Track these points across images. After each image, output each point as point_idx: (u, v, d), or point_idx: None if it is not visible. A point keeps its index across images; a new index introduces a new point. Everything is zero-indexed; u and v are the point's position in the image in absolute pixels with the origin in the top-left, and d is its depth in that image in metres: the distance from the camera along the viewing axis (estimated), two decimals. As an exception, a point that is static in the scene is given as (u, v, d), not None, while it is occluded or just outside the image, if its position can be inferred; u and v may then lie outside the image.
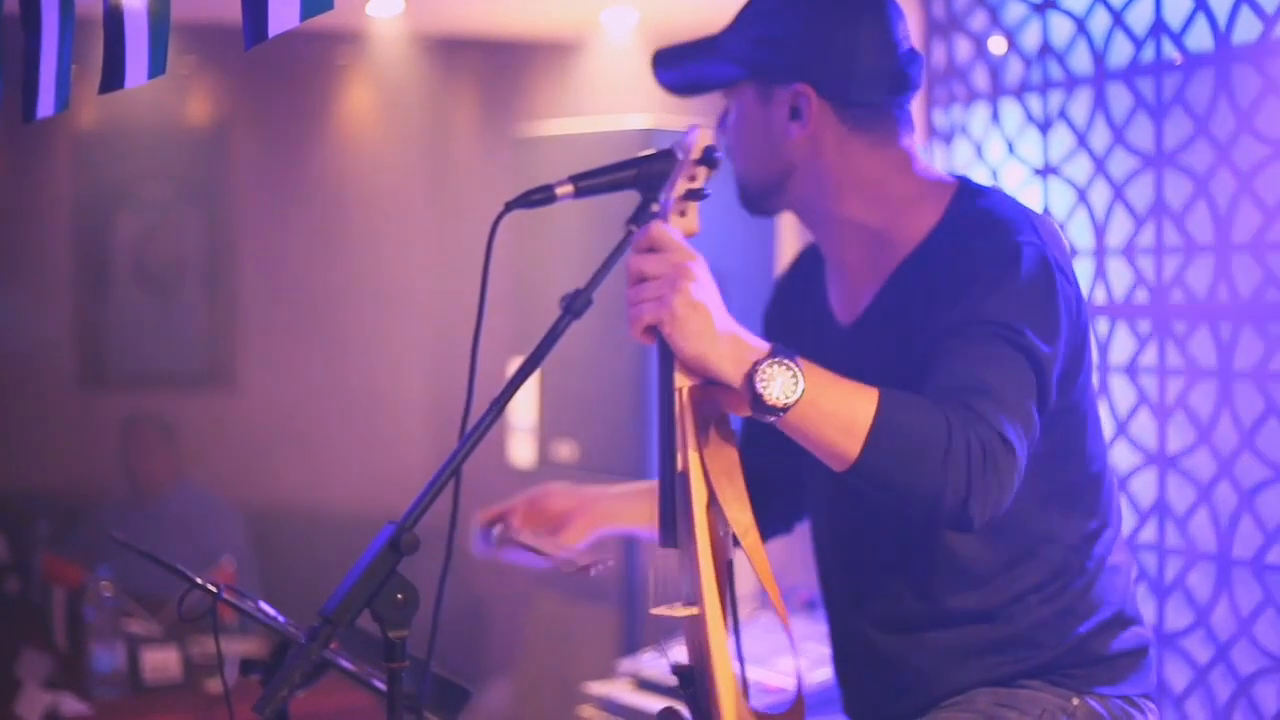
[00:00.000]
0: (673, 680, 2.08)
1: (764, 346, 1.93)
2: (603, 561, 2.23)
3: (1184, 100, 3.26)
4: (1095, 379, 2.62)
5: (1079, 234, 3.55)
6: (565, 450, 4.26)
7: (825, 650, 2.58)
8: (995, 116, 3.83)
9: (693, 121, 2.10)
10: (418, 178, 6.88)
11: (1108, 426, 3.26)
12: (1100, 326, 3.46)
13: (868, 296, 2.28)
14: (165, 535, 5.48)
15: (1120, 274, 3.45)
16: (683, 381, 1.98)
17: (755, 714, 1.99)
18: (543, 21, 5.85)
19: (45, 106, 2.45)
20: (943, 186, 2.26)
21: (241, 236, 6.74)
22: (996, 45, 3.84)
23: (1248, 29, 3.12)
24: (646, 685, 3.78)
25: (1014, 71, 3.78)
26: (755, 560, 1.97)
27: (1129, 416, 3.41)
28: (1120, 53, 3.44)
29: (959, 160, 3.93)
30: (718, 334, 1.93)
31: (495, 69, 6.65)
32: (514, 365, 1.97)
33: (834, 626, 2.46)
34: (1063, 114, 3.61)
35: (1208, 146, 3.21)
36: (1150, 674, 2.32)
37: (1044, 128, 3.66)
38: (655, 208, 2.04)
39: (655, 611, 2.01)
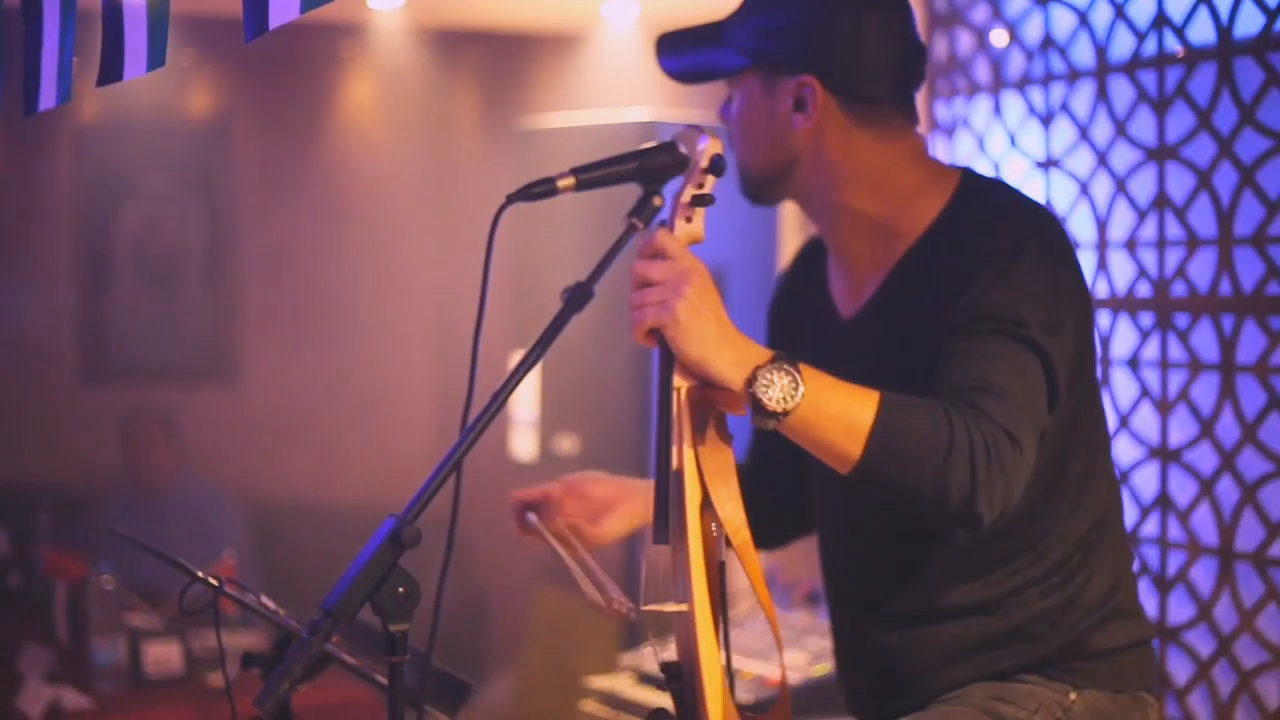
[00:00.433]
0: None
1: (764, 351, 1.94)
2: (624, 604, 2.17)
3: (1186, 93, 3.26)
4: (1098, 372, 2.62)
5: (1081, 227, 3.55)
6: (566, 443, 4.26)
7: (827, 644, 2.58)
8: (997, 109, 3.82)
9: (694, 113, 2.10)
10: (419, 170, 6.88)
11: (1109, 420, 3.26)
12: (1102, 320, 3.46)
13: (871, 287, 2.28)
14: (167, 529, 5.48)
15: (1122, 267, 3.45)
16: (681, 382, 1.99)
17: (741, 711, 1.99)
18: (544, 14, 5.85)
19: (47, 99, 2.45)
20: (947, 177, 2.26)
21: (243, 229, 6.74)
22: (998, 38, 3.83)
23: (1250, 22, 3.11)
24: (648, 680, 3.78)
25: (1016, 64, 3.78)
26: (746, 560, 1.97)
27: (1131, 410, 3.41)
28: (1122, 45, 3.44)
29: (961, 153, 3.93)
30: (719, 339, 1.94)
31: (497, 62, 6.65)
32: (515, 358, 1.96)
33: (836, 620, 2.46)
34: (1065, 107, 3.60)
35: (1210, 139, 3.20)
36: (1151, 669, 2.32)
37: (1046, 121, 3.66)
38: (657, 200, 2.04)
39: (645, 608, 2.02)
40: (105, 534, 4.34)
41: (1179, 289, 3.30)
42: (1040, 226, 2.15)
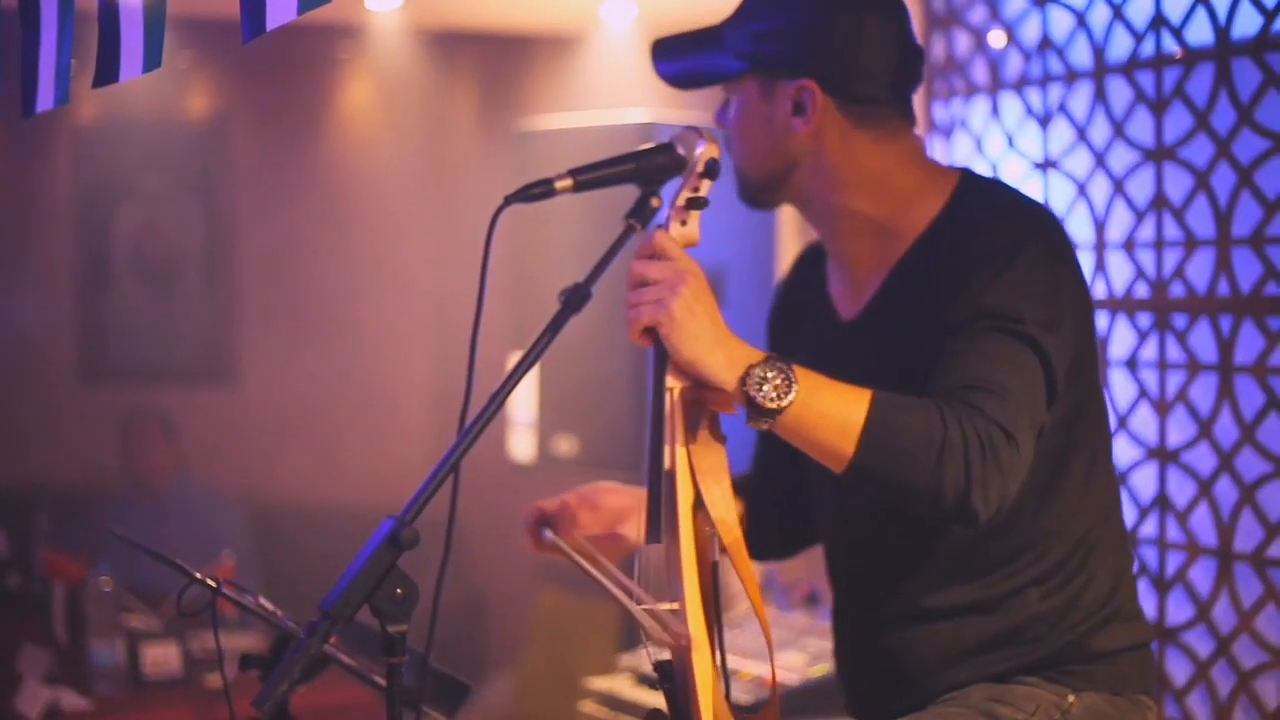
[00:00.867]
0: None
1: (757, 352, 1.96)
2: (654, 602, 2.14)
3: (1184, 94, 3.26)
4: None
5: (1079, 228, 3.55)
6: (565, 445, 4.25)
7: (826, 645, 2.58)
8: (995, 110, 3.82)
9: (692, 115, 2.10)
10: (417, 172, 6.88)
11: (1109, 421, 3.26)
12: (1100, 321, 3.46)
13: (871, 289, 2.28)
14: (165, 530, 5.48)
15: (1120, 268, 3.45)
16: (674, 382, 2.00)
17: (735, 710, 2.00)
18: (542, 15, 5.85)
19: (45, 100, 2.45)
20: (945, 178, 2.26)
21: (241, 230, 6.75)
22: (996, 39, 3.83)
23: (1247, 23, 3.11)
24: (646, 680, 3.78)
25: (1014, 65, 3.78)
26: (737, 560, 1.98)
27: (1129, 411, 3.41)
28: (1120, 46, 3.44)
29: (959, 154, 3.93)
30: (714, 339, 1.96)
31: (495, 63, 6.66)
32: (514, 359, 1.97)
33: (838, 621, 2.46)
34: (1062, 108, 3.60)
35: (1207, 140, 3.21)
36: (1150, 671, 2.32)
37: (1044, 122, 3.66)
38: (655, 202, 2.05)
39: (639, 608, 2.02)
40: (104, 535, 4.36)
41: (1177, 290, 3.30)
42: (1039, 225, 2.15)
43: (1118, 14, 3.42)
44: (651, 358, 2.04)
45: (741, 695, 3.35)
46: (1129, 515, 3.36)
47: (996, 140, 3.82)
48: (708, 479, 1.99)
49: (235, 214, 6.74)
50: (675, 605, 1.98)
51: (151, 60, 2.22)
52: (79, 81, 2.42)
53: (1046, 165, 3.65)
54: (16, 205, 6.47)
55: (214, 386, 6.74)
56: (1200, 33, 3.23)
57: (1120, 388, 3.44)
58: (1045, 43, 3.64)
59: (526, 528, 2.37)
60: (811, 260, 2.49)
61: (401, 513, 1.81)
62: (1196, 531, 3.27)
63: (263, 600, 2.22)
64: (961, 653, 2.24)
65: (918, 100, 2.33)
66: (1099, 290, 3.48)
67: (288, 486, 6.54)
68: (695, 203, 2.07)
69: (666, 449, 2.01)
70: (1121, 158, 3.44)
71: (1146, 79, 3.36)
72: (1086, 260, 3.50)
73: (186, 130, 6.68)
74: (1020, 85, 3.74)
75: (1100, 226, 3.49)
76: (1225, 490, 3.19)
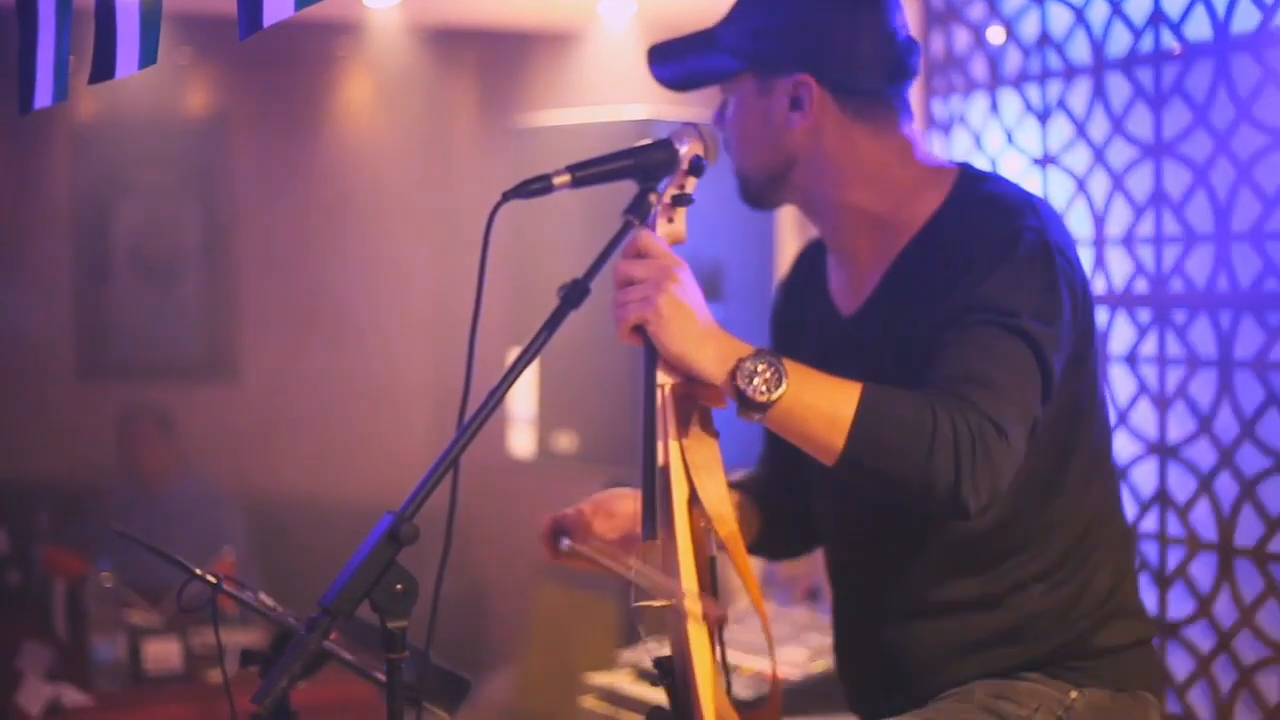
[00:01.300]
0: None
1: (746, 345, 1.97)
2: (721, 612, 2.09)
3: (1183, 90, 3.26)
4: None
5: (1078, 224, 3.54)
6: (564, 440, 4.25)
7: (827, 640, 2.58)
8: (994, 106, 3.82)
9: (690, 111, 2.11)
10: (416, 168, 6.88)
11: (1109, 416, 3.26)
12: (1100, 316, 3.45)
13: (871, 284, 2.28)
14: (165, 526, 5.48)
15: (1120, 263, 3.44)
16: (665, 379, 2.01)
17: (735, 706, 2.00)
18: (541, 12, 5.85)
19: (43, 97, 2.44)
20: (944, 173, 2.26)
21: (240, 227, 6.75)
22: (995, 35, 3.83)
23: (1247, 18, 3.11)
24: (647, 676, 3.77)
25: (1012, 61, 3.77)
26: (734, 554, 1.98)
27: (1129, 406, 3.41)
28: (1119, 42, 3.44)
29: (958, 151, 3.92)
30: (702, 333, 1.97)
31: (493, 59, 6.65)
32: (513, 355, 1.97)
33: (839, 617, 2.46)
34: (1061, 104, 3.60)
35: (1207, 136, 3.20)
36: (1152, 667, 2.32)
37: (1043, 117, 3.66)
38: (653, 198, 2.06)
39: (636, 603, 2.02)
40: (104, 532, 4.35)
41: (1176, 285, 3.30)
42: (1037, 219, 2.15)
43: (1117, 10, 3.42)
44: (643, 355, 2.04)
45: (742, 691, 3.35)
46: (1129, 511, 3.36)
47: (995, 136, 3.82)
48: (702, 474, 1.99)
49: (234, 211, 6.74)
50: (674, 600, 1.98)
51: (148, 56, 2.22)
52: (77, 78, 2.42)
53: (1045, 161, 3.65)
54: (15, 202, 6.47)
55: (213, 383, 6.74)
56: (1199, 28, 3.22)
57: (1120, 383, 3.44)
58: (1044, 38, 3.64)
59: (543, 540, 2.35)
60: (812, 257, 2.50)
61: (401, 508, 1.81)
62: (1197, 527, 3.27)
63: (263, 596, 2.22)
64: (963, 649, 2.24)
65: (916, 96, 2.33)
66: (1099, 286, 3.47)
67: (287, 482, 6.54)
68: (681, 200, 2.09)
69: (660, 445, 2.01)
70: (1121, 153, 3.44)
71: (1146, 74, 3.36)
72: (1086, 256, 3.49)
73: (185, 127, 6.68)
74: (1019, 81, 3.74)
75: (1100, 222, 3.49)
76: (1226, 485, 3.19)
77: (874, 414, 1.93)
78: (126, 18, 2.24)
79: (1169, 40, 3.30)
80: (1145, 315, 3.37)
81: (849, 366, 2.00)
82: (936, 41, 4.00)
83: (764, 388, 1.92)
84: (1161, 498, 3.35)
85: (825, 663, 3.55)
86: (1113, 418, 3.41)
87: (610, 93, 5.25)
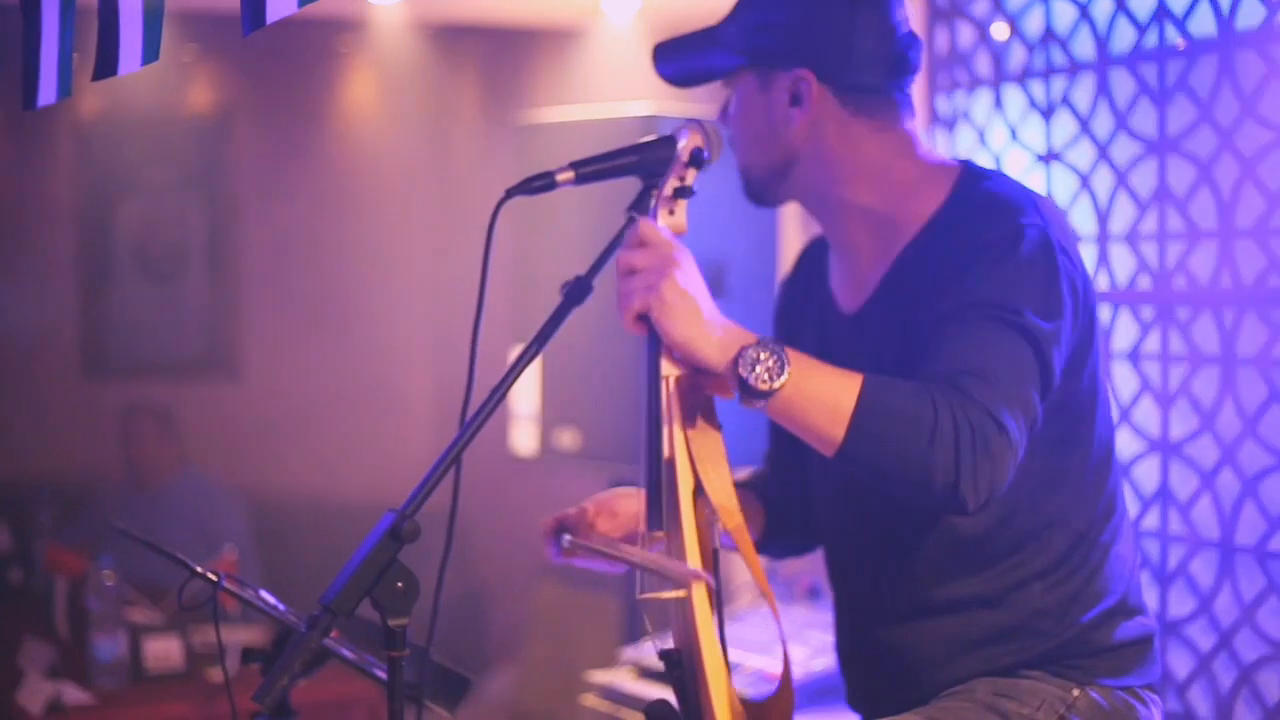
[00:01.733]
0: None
1: (750, 333, 1.97)
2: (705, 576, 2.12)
3: (1187, 86, 3.25)
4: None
5: (1082, 220, 3.54)
6: (567, 438, 4.25)
7: (828, 638, 2.58)
8: (998, 102, 3.82)
9: (695, 107, 2.11)
10: (419, 165, 6.87)
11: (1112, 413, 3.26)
12: (1103, 313, 3.45)
13: (873, 282, 2.28)
14: (167, 524, 5.48)
15: (1123, 260, 3.44)
16: (670, 370, 2.01)
17: (742, 698, 1.99)
18: (544, 8, 5.85)
19: (47, 94, 2.44)
20: (946, 170, 2.26)
21: (243, 224, 6.74)
22: (999, 31, 3.83)
23: (1251, 14, 3.11)
24: (648, 673, 3.78)
25: (1017, 57, 3.77)
26: (741, 545, 1.98)
27: (1132, 403, 3.41)
28: (1123, 38, 3.44)
29: (962, 147, 3.92)
30: (705, 320, 1.97)
31: (497, 56, 6.65)
32: (515, 352, 1.97)
33: (839, 615, 2.45)
34: (1066, 100, 3.60)
35: (1211, 132, 3.20)
36: (1154, 664, 2.31)
37: (1047, 114, 3.65)
38: (655, 193, 2.06)
39: (643, 596, 2.02)
40: (106, 529, 4.36)
41: (1180, 282, 3.30)
42: (1040, 216, 2.14)
43: (1121, 5, 3.42)
44: (646, 347, 2.04)
45: (743, 688, 3.35)
46: (1131, 508, 3.36)
47: (999, 133, 3.81)
48: (707, 465, 1.99)
49: (238, 208, 6.74)
50: (682, 593, 1.97)
51: (150, 52, 2.22)
52: (81, 75, 2.42)
53: (1049, 157, 3.65)
54: (19, 199, 6.47)
55: (216, 381, 6.74)
56: (1204, 24, 3.22)
57: (1123, 380, 3.44)
58: (1048, 34, 3.64)
59: (544, 538, 2.35)
60: (814, 254, 2.49)
61: (403, 506, 1.81)
62: (1199, 524, 3.27)
63: (264, 594, 2.22)
64: (965, 646, 2.24)
65: (920, 93, 2.33)
66: (1102, 283, 3.47)
67: (289, 480, 6.54)
68: (682, 192, 2.09)
69: (665, 437, 2.01)
70: (1125, 150, 3.43)
71: (1150, 70, 3.35)
72: (1090, 252, 3.49)
73: (189, 124, 6.68)
74: (1023, 77, 3.73)
75: (1103, 218, 3.49)
76: (1227, 483, 3.19)
77: (874, 405, 1.92)
78: (129, 14, 2.23)
79: (1173, 36, 3.30)
80: (1148, 312, 3.37)
81: (850, 364, 2.00)
82: (940, 37, 4.00)
83: (766, 376, 1.92)
84: (1163, 495, 3.35)
85: (826, 661, 3.55)
86: (1115, 415, 3.41)
87: (614, 89, 5.25)
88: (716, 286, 4.07)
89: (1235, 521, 3.16)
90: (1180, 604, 3.32)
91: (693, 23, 2.36)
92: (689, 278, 1.98)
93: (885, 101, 2.25)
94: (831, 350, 2.17)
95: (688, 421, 2.01)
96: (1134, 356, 3.40)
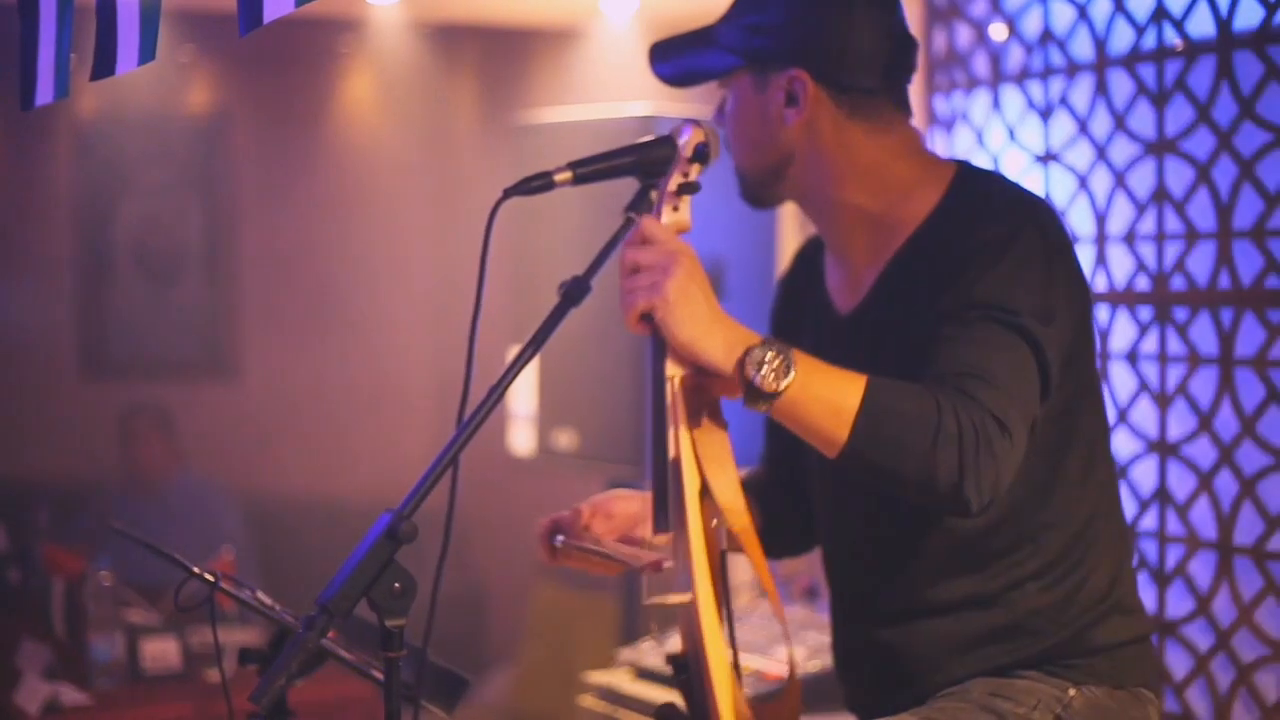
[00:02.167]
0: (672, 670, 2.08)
1: (754, 334, 1.96)
2: (667, 556, 2.11)
3: (1185, 86, 3.25)
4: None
5: (1080, 221, 3.54)
6: (565, 438, 4.25)
7: (825, 639, 2.58)
8: (996, 103, 3.82)
9: (692, 108, 2.11)
10: (417, 165, 6.87)
11: (1108, 414, 3.26)
12: (1101, 314, 3.46)
13: (868, 283, 2.28)
14: (165, 525, 5.48)
15: (1121, 261, 3.44)
16: (674, 370, 1.99)
17: (749, 700, 1.99)
18: (543, 9, 5.85)
19: (44, 94, 2.44)
20: (942, 170, 2.26)
21: (242, 225, 6.74)
22: (997, 32, 3.83)
23: (1249, 15, 3.11)
24: (646, 674, 3.77)
25: (1015, 58, 3.77)
26: (748, 546, 1.97)
27: (1130, 404, 3.41)
28: (1122, 39, 3.43)
29: (960, 147, 3.92)
30: (710, 320, 1.96)
31: (495, 56, 6.65)
32: (513, 353, 1.97)
33: (836, 616, 2.45)
34: (1064, 101, 3.60)
35: (1209, 133, 3.20)
36: (1150, 664, 2.31)
37: (1045, 114, 3.65)
38: (655, 195, 2.05)
39: (649, 601, 2.01)
40: (103, 530, 4.36)
41: (1178, 282, 3.30)
42: (1036, 217, 2.14)
43: (1119, 6, 3.42)
44: (650, 347, 2.03)
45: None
46: (1129, 508, 3.36)
47: (998, 133, 3.81)
48: (713, 465, 1.98)
49: (236, 209, 6.74)
50: (688, 597, 1.97)
51: (147, 52, 2.21)
52: (78, 75, 2.42)
53: (1047, 158, 3.64)
54: (17, 200, 6.47)
55: (214, 381, 6.74)
56: (1202, 25, 3.22)
57: (1121, 381, 3.44)
58: (1046, 35, 3.64)
59: (539, 540, 2.35)
60: (810, 255, 2.49)
61: (400, 507, 1.81)
62: (1196, 524, 3.27)
63: (261, 595, 2.22)
64: (961, 647, 2.24)
65: (918, 93, 2.33)
66: (1100, 283, 3.47)
67: (287, 481, 6.54)
68: (686, 188, 2.07)
69: (670, 437, 2.00)
70: (1123, 150, 3.43)
71: (1148, 71, 3.35)
72: (1087, 253, 3.49)
73: (187, 125, 6.67)
74: (1021, 78, 3.73)
75: (1101, 219, 3.49)
76: (1225, 483, 3.19)
77: (878, 408, 1.92)
78: (127, 14, 2.23)
79: (1171, 37, 3.29)
80: (1146, 313, 3.37)
81: (845, 364, 1.99)
82: (939, 38, 4.00)
83: (772, 377, 1.91)
84: (1161, 495, 3.35)
85: (823, 661, 3.55)
86: (1113, 415, 3.41)
87: (612, 90, 5.25)
88: (716, 286, 4.07)
89: (1233, 522, 3.16)
90: (1178, 604, 3.32)
91: (690, 23, 2.36)
92: (693, 276, 1.96)
93: (881, 102, 2.25)
94: (826, 350, 2.17)
95: (693, 422, 2.00)
96: (1132, 357, 3.40)
